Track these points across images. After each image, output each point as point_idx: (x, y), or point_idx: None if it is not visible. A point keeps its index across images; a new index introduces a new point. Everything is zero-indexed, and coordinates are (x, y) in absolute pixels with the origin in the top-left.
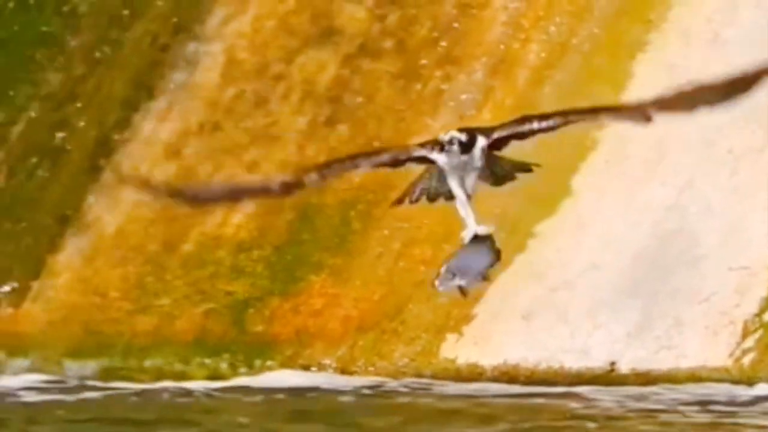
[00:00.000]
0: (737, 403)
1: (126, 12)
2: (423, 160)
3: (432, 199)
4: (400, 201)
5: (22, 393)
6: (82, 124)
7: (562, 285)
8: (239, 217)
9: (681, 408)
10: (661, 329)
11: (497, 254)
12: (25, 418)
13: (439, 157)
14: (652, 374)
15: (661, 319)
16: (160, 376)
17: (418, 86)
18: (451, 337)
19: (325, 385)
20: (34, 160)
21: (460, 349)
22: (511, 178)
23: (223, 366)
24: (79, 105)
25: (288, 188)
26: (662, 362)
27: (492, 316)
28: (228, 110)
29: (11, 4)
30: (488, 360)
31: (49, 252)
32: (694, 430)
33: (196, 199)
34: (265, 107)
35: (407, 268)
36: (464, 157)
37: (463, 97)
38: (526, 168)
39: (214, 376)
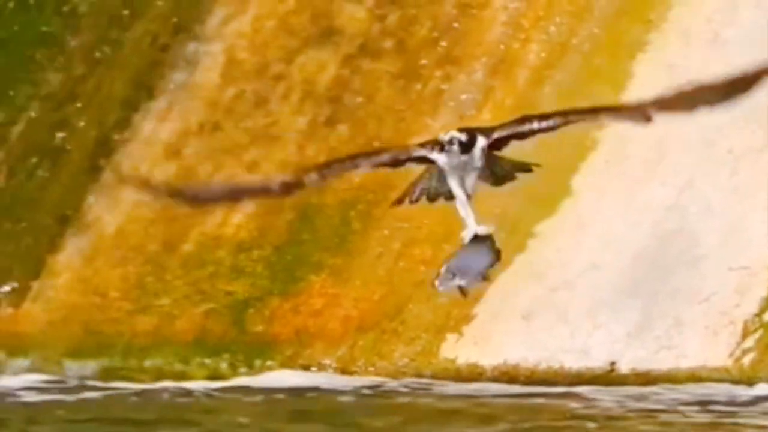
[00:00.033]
0: (737, 403)
1: (126, 12)
2: (423, 160)
3: (432, 199)
4: (400, 201)
5: (21, 393)
6: (82, 124)
7: (562, 285)
8: (239, 217)
9: (681, 408)
10: (661, 329)
11: (497, 254)
12: (24, 418)
13: (439, 157)
14: (652, 374)
15: (661, 319)
16: (160, 376)
17: (418, 86)
18: (451, 337)
19: (324, 385)
20: (34, 160)
21: (460, 349)
22: (511, 178)
23: (223, 366)
24: (79, 105)
25: (288, 188)
26: (662, 362)
27: (492, 316)
28: (228, 110)
29: (11, 4)
30: (488, 360)
31: (49, 252)
32: (694, 430)
33: (196, 199)
34: (265, 107)
35: (407, 268)
36: (464, 157)
37: (463, 97)
38: (526, 168)
39: (214, 376)
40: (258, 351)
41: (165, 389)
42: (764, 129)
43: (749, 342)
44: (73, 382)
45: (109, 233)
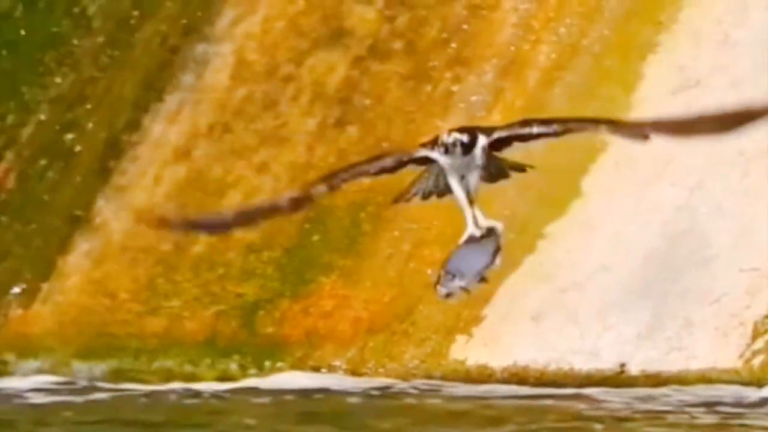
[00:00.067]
0: (744, 404)
1: (135, 13)
2: (425, 160)
3: (425, 197)
4: (396, 200)
5: (31, 394)
6: (91, 125)
7: (571, 286)
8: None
9: (688, 409)
10: (671, 330)
11: (495, 254)
12: (32, 419)
13: (441, 157)
14: (663, 376)
15: (672, 321)
16: (169, 377)
17: (428, 88)
18: (460, 339)
19: (333, 387)
20: (43, 161)
21: (470, 351)
22: (505, 175)
23: (233, 367)
24: (88, 107)
25: (297, 204)
26: (672, 364)
27: (501, 317)
28: (237, 112)
29: (21, 6)
30: (498, 361)
31: (59, 253)
32: None
33: (212, 229)
34: (275, 109)
35: (417, 269)
36: (466, 158)
37: (474, 98)
38: (520, 167)
39: (224, 378)
40: (268, 352)
41: (173, 390)
42: None
43: (759, 343)
44: (82, 384)
45: (119, 235)
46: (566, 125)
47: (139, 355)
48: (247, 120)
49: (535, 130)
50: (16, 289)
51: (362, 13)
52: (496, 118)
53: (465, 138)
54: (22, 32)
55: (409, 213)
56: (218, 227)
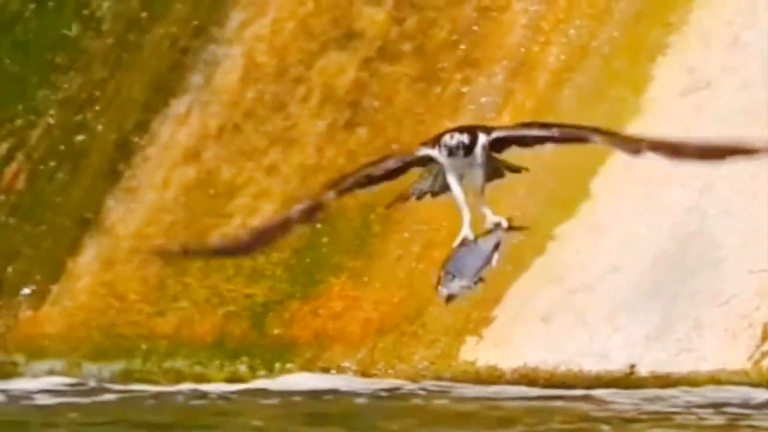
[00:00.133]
0: (752, 405)
1: (145, 15)
2: (427, 159)
3: (419, 197)
4: (395, 202)
5: (40, 396)
6: (101, 127)
7: (581, 287)
8: (258, 221)
9: (696, 411)
10: (680, 332)
11: (494, 252)
12: (41, 421)
13: (444, 158)
14: (672, 377)
15: (681, 322)
16: (179, 378)
17: (438, 89)
18: (470, 340)
19: (342, 388)
20: (53, 163)
21: (480, 352)
22: (500, 175)
23: (243, 369)
24: (98, 108)
25: (309, 214)
26: (682, 365)
27: (511, 318)
28: (247, 113)
29: (31, 8)
30: (507, 363)
31: (68, 255)
32: None
33: (233, 253)
34: (285, 110)
35: (427, 270)
36: (467, 158)
37: (483, 100)
38: (515, 169)
39: (233, 379)
40: (277, 354)
41: (180, 392)
42: None
43: None
44: (92, 385)
45: (128, 236)
46: (564, 131)
47: (148, 356)
48: (257, 121)
49: (535, 132)
50: (26, 291)
51: (372, 14)
52: (505, 120)
53: (466, 139)
54: (32, 34)
55: (418, 214)
56: (238, 251)
